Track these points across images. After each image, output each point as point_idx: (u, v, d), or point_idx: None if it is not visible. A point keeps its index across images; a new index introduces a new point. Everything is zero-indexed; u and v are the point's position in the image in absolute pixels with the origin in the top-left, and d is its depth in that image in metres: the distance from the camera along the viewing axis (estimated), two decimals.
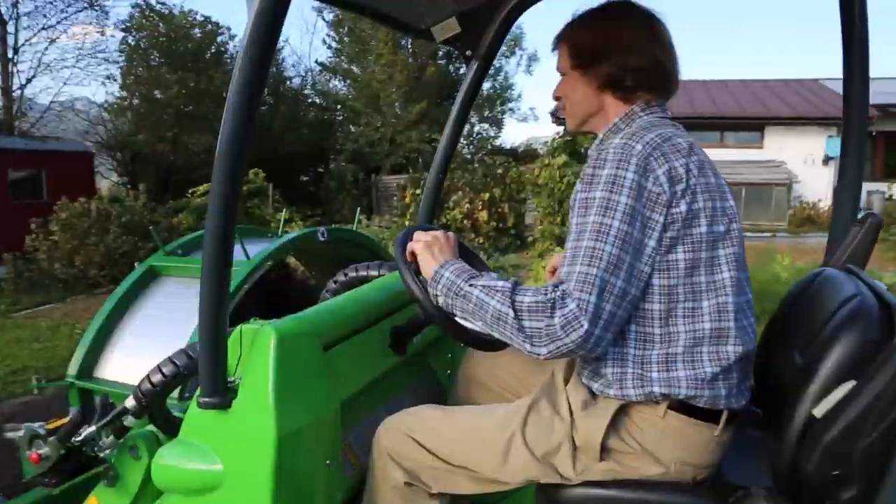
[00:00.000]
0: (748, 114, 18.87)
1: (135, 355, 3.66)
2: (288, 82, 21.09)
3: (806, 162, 18.09)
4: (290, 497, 1.46)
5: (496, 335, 1.40)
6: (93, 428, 1.85)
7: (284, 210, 7.45)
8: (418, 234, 1.59)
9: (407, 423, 1.60)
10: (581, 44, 1.58)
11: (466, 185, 12.19)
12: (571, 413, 1.50)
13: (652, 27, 1.55)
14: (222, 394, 1.47)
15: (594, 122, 1.64)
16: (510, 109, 26.57)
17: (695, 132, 18.88)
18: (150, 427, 1.93)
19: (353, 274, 2.42)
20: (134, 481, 1.98)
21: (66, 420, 1.90)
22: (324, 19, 22.51)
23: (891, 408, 1.22)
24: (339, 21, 21.82)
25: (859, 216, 1.93)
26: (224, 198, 1.33)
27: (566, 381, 1.61)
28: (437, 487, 1.59)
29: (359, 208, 5.28)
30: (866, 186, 18.69)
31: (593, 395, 1.51)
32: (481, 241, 11.94)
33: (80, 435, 1.85)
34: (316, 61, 22.92)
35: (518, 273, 8.30)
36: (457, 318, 1.54)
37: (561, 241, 11.87)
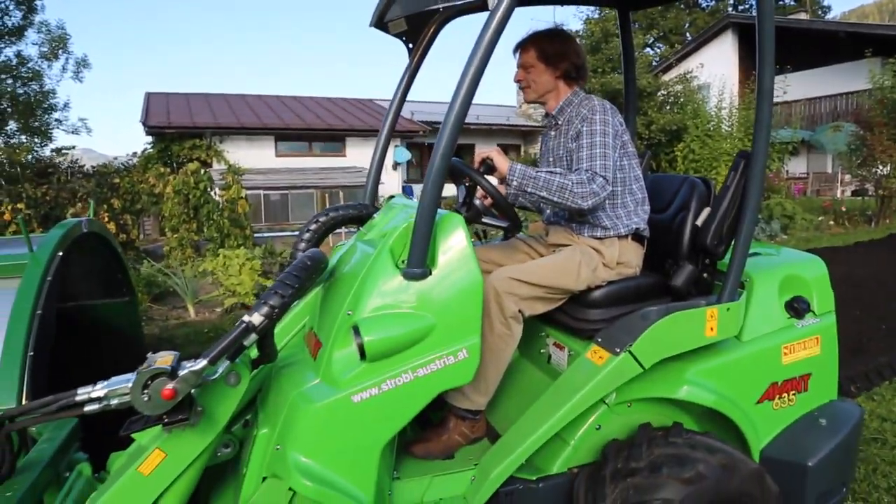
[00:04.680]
0: (331, 126, 21.04)
1: None
2: None
3: None
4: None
5: (555, 198, 2.37)
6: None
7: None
8: (483, 149, 2.55)
9: (510, 272, 2.42)
10: (548, 49, 2.64)
11: (86, 195, 11.01)
12: (596, 249, 2.59)
13: (579, 44, 2.74)
14: (426, 266, 2.03)
15: (548, 97, 2.76)
16: (57, 120, 23.65)
17: (287, 142, 20.31)
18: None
19: (334, 214, 2.74)
20: (224, 412, 2.05)
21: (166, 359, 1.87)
22: None
23: (729, 210, 2.51)
24: None
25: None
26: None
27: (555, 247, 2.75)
28: (528, 311, 2.43)
29: (92, 202, 4.79)
30: (417, 187, 22.76)
31: (597, 239, 2.62)
32: None
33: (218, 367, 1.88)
34: None
35: (203, 280, 8.12)
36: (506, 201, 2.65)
37: (198, 249, 11.72)
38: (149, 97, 21.66)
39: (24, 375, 2.92)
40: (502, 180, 2.50)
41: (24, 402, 2.87)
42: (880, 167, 14.85)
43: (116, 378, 1.91)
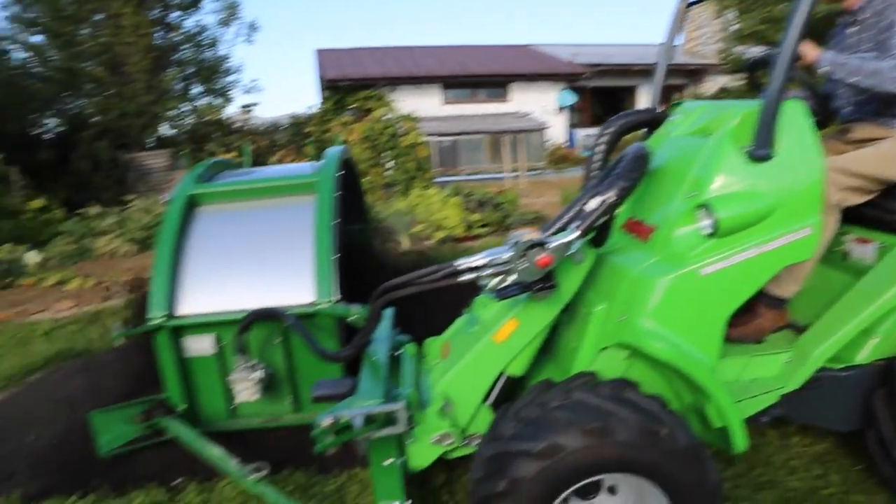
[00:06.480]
0: (496, 72, 21.21)
1: (204, 288, 3.57)
2: None
3: (545, 111, 21.06)
4: None
5: (866, 82, 2.44)
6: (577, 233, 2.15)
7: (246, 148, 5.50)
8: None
9: (831, 163, 2.42)
10: None
11: (290, 144, 12.05)
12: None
13: None
14: (770, 148, 2.15)
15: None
16: (233, 82, 25.86)
17: (454, 90, 20.72)
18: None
19: (625, 119, 2.88)
20: (570, 287, 2.34)
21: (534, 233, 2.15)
22: None
23: None
24: None
25: None
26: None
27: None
28: (845, 203, 2.53)
29: (339, 135, 5.32)
30: (581, 131, 22.47)
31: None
32: None
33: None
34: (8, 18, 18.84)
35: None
36: None
37: (387, 188, 12.44)
38: (320, 54, 22.85)
39: (335, 274, 3.42)
40: (807, 68, 2.55)
41: (335, 297, 3.36)
42: None
43: (491, 250, 2.21)
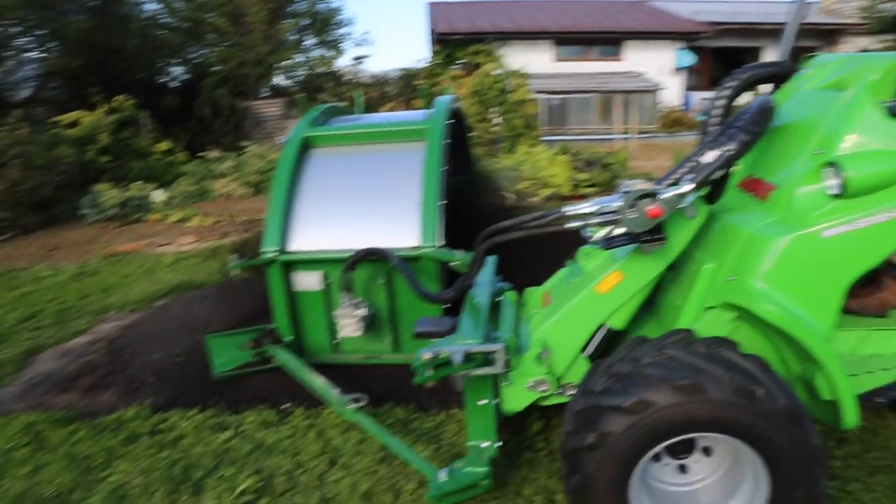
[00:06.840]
0: (609, 29, 20.43)
1: (314, 227, 3.69)
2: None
3: (660, 72, 20.15)
4: None
5: None
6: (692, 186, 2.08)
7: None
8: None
9: None
10: None
11: (400, 96, 12.20)
12: None
13: None
14: None
15: None
16: (345, 34, 26.10)
17: (565, 46, 20.13)
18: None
19: (752, 73, 2.71)
20: (679, 242, 2.28)
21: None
22: None
23: None
24: None
25: None
26: None
27: None
28: None
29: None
30: (698, 94, 21.32)
31: None
32: None
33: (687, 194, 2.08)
34: None
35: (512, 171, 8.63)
36: None
37: (494, 143, 12.38)
38: (431, 7, 22.77)
39: (440, 220, 3.48)
40: None
41: (439, 242, 3.42)
42: None
43: (601, 198, 2.18)
